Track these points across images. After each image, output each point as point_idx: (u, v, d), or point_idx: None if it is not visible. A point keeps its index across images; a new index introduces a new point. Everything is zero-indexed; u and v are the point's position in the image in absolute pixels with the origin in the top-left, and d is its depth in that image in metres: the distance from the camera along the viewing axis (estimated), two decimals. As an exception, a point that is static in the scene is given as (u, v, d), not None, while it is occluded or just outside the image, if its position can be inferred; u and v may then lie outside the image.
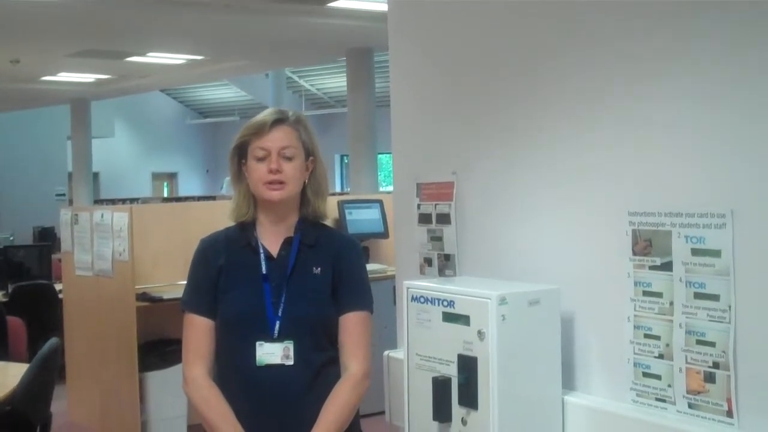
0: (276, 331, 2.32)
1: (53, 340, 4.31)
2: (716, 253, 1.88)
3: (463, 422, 2.15)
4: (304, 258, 2.38)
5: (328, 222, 2.54)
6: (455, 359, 2.16)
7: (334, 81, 20.24)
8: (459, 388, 2.16)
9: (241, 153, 2.39)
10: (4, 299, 7.39)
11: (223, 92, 23.02)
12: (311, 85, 21.66)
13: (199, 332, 2.38)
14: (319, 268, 2.38)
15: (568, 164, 2.23)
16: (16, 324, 6.05)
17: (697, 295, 1.93)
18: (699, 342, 1.93)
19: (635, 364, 2.07)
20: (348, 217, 6.47)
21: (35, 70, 13.80)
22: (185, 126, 25.10)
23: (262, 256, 2.37)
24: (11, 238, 13.57)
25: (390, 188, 4.78)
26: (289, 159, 2.34)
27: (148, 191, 23.72)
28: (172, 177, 25.67)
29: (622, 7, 2.08)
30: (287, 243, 2.39)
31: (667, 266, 1.99)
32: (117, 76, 14.76)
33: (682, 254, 1.95)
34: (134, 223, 5.67)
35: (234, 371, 2.35)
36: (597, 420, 2.13)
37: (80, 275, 6.21)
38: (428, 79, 2.72)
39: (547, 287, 2.20)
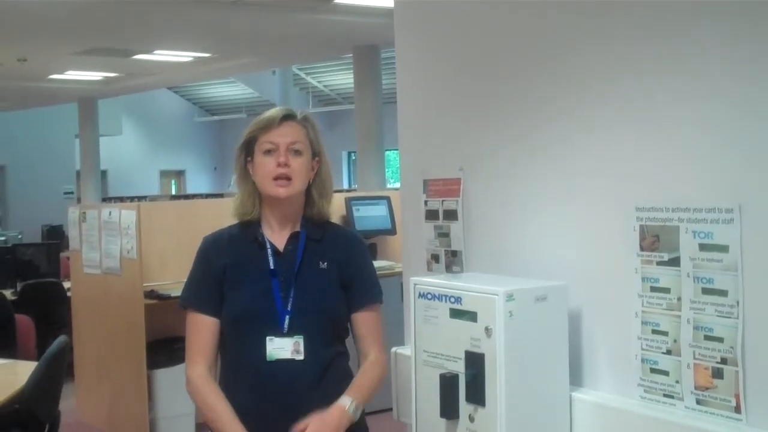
0: (286, 326, 2.33)
1: (62, 338, 4.32)
2: (724, 249, 1.87)
3: (471, 419, 2.15)
4: (311, 253, 2.39)
5: (335, 219, 2.55)
6: (462, 356, 2.15)
7: (341, 78, 20.24)
8: (466, 384, 2.15)
9: (248, 150, 2.39)
10: (13, 297, 7.41)
11: (230, 89, 23.03)
12: (318, 81, 21.67)
13: (200, 330, 2.39)
14: (325, 263, 2.39)
15: (575, 160, 2.22)
16: (24, 322, 6.08)
17: (705, 291, 1.92)
18: (707, 338, 1.92)
19: (643, 360, 2.06)
20: (355, 213, 6.48)
21: (43, 68, 13.83)
22: (193, 123, 25.13)
23: (269, 251, 2.37)
24: (20, 237, 13.58)
25: (397, 185, 4.78)
26: (298, 154, 2.34)
27: (155, 189, 23.77)
28: (179, 174, 25.72)
29: (630, 5, 2.07)
30: (294, 238, 2.39)
31: (674, 262, 1.98)
32: (124, 73, 14.79)
33: (689, 249, 1.94)
34: (142, 220, 5.68)
35: (244, 367, 2.36)
36: (604, 416, 2.12)
37: (88, 273, 6.22)
38: (435, 75, 2.71)
39: (555, 283, 2.19)
